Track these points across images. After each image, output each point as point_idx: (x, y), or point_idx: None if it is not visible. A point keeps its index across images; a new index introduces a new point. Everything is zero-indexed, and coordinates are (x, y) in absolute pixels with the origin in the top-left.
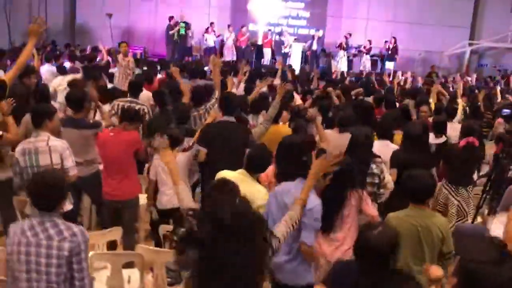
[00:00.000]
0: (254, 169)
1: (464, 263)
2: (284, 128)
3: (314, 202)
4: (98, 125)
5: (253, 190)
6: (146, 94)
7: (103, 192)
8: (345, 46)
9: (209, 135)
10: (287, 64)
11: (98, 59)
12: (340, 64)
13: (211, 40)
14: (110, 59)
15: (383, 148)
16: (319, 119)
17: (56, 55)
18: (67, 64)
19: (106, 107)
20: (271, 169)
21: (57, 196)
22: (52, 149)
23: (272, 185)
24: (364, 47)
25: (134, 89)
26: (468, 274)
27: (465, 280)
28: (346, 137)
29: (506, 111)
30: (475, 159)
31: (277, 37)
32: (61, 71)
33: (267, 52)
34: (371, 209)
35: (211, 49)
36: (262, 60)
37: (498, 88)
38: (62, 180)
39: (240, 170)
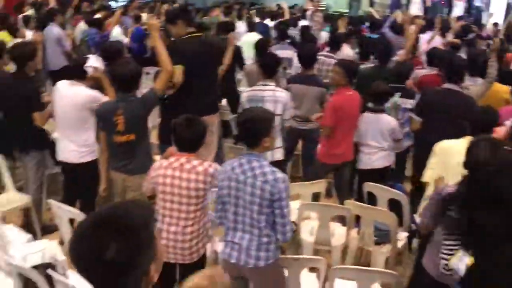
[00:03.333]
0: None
1: None
2: (502, 88)
3: None
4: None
5: None
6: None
7: (329, 155)
8: None
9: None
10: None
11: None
12: None
13: None
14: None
15: None
16: None
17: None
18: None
19: None
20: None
21: (261, 132)
22: (278, 99)
23: None
24: None
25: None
26: None
27: None
28: None
29: None
30: None
31: None
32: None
33: (459, 4)
34: None
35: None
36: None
37: None
38: (271, 119)
39: (466, 137)
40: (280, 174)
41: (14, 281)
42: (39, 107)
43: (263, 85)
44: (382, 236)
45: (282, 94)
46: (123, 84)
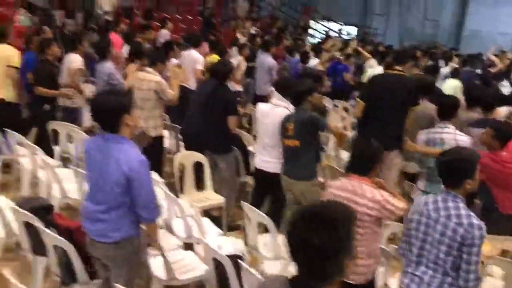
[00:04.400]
0: None
1: None
2: None
3: None
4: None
5: None
6: None
7: None
8: None
9: None
10: None
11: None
12: None
13: None
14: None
15: None
16: None
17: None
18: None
19: None
20: None
21: (465, 174)
22: (459, 143)
23: None
24: None
25: None
26: None
27: None
28: None
29: None
30: None
31: None
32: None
33: None
34: None
35: None
36: None
37: None
38: (476, 162)
39: None
40: (475, 220)
41: (207, 264)
42: (234, 113)
43: (442, 127)
44: None
45: (464, 138)
46: (294, 98)
